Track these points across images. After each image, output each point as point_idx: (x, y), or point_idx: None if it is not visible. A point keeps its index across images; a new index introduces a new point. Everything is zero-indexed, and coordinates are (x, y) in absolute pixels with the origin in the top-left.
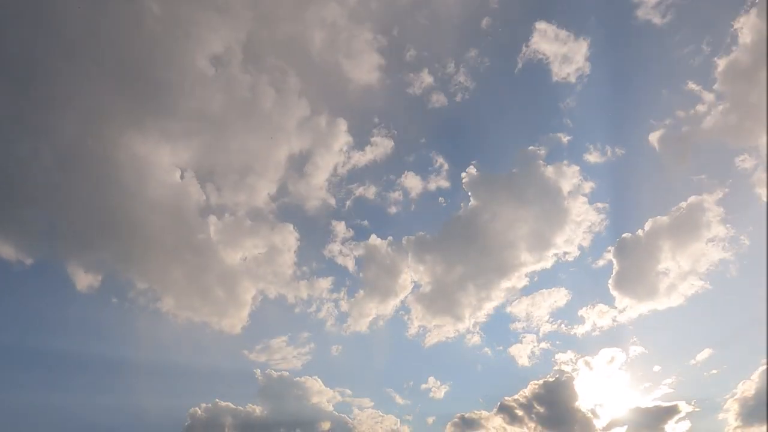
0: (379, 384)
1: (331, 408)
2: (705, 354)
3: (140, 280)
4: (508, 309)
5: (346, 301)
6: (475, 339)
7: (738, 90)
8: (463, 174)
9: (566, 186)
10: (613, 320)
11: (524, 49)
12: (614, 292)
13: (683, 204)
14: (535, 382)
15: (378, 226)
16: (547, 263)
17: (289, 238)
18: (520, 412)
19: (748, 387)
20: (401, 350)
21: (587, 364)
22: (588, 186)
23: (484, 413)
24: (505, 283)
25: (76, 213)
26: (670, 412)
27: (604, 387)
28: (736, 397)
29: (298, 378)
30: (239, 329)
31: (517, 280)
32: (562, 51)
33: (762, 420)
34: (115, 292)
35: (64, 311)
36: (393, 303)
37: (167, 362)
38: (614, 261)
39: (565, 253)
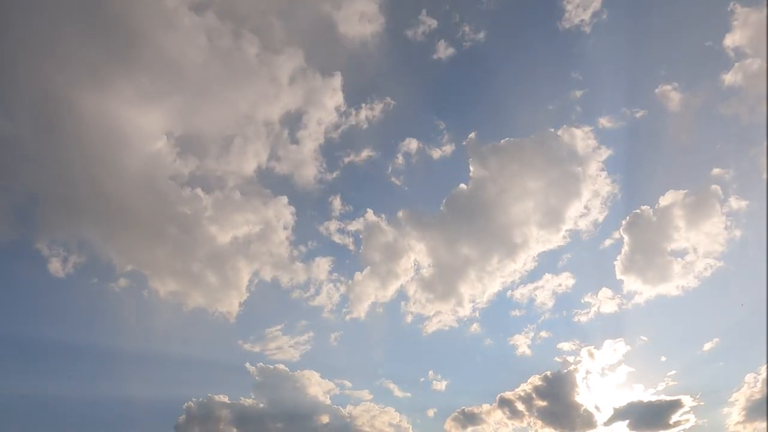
0: (379, 376)
1: (329, 401)
2: (713, 344)
3: (119, 260)
4: (511, 294)
5: (345, 284)
6: (476, 327)
7: None
8: (465, 142)
9: (579, 154)
10: (620, 307)
11: None
12: (622, 277)
13: (705, 176)
14: (537, 375)
15: (376, 200)
16: (552, 243)
17: (283, 213)
18: (520, 407)
19: (755, 380)
20: (401, 340)
21: (591, 354)
22: (602, 154)
23: (486, 407)
24: (510, 265)
25: (39, 186)
26: (674, 406)
27: (607, 379)
28: (742, 390)
29: (294, 372)
30: (233, 317)
31: (522, 263)
32: None
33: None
34: (95, 275)
35: (39, 296)
36: (393, 287)
37: (155, 352)
38: (625, 238)
39: (572, 231)
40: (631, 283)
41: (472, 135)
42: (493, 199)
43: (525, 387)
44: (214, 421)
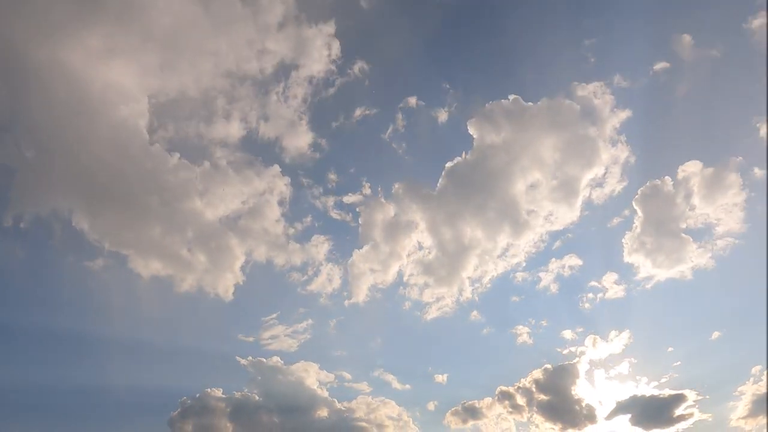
0: (378, 367)
1: (326, 394)
2: (721, 333)
3: (95, 237)
4: (515, 277)
5: (343, 266)
6: (477, 315)
7: None
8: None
9: (593, 115)
10: (628, 292)
11: None
12: (632, 257)
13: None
14: (538, 369)
15: (373, 168)
16: (559, 221)
17: (277, 185)
18: (521, 400)
19: (761, 372)
20: (400, 329)
21: (594, 344)
22: (619, 116)
23: (486, 401)
24: (515, 245)
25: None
26: (677, 400)
27: (610, 371)
28: (748, 383)
29: (290, 365)
30: (225, 303)
31: (526, 242)
32: None
33: None
34: (69, 254)
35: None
36: (393, 268)
37: (137, 340)
38: (638, 212)
39: (582, 206)
40: (642, 265)
41: (476, 97)
42: (498, 168)
43: (525, 382)
44: (209, 415)
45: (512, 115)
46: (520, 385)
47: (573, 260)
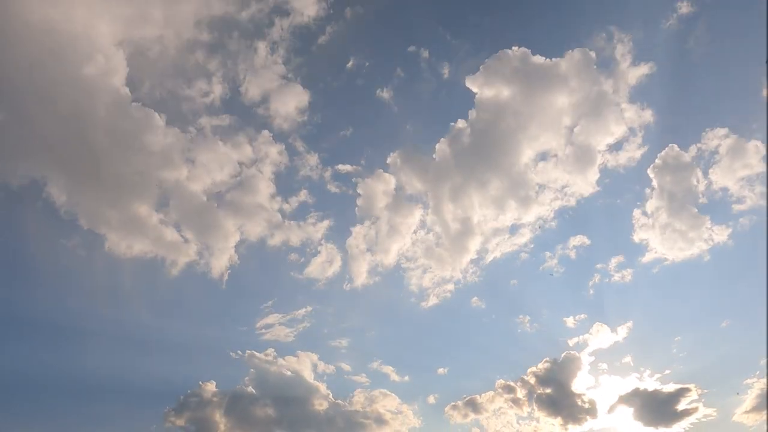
0: (378, 359)
1: (324, 387)
2: (732, 320)
3: (66, 208)
4: (519, 258)
5: (341, 247)
6: (478, 302)
7: None
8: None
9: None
10: (636, 276)
11: None
12: (643, 236)
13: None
14: (539, 363)
15: (370, 135)
16: (564, 199)
17: (270, 153)
18: (521, 394)
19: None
20: (400, 319)
21: (598, 333)
22: (636, 73)
23: (487, 395)
24: (520, 223)
25: None
26: (681, 394)
27: (614, 363)
28: (755, 375)
29: (287, 357)
30: (217, 289)
31: (532, 222)
32: None
33: None
34: (39, 230)
35: None
36: (393, 248)
37: (124, 330)
38: (653, 180)
39: (589, 181)
40: (653, 245)
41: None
42: (503, 131)
43: (526, 375)
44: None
45: (521, 69)
46: (522, 379)
47: (581, 240)
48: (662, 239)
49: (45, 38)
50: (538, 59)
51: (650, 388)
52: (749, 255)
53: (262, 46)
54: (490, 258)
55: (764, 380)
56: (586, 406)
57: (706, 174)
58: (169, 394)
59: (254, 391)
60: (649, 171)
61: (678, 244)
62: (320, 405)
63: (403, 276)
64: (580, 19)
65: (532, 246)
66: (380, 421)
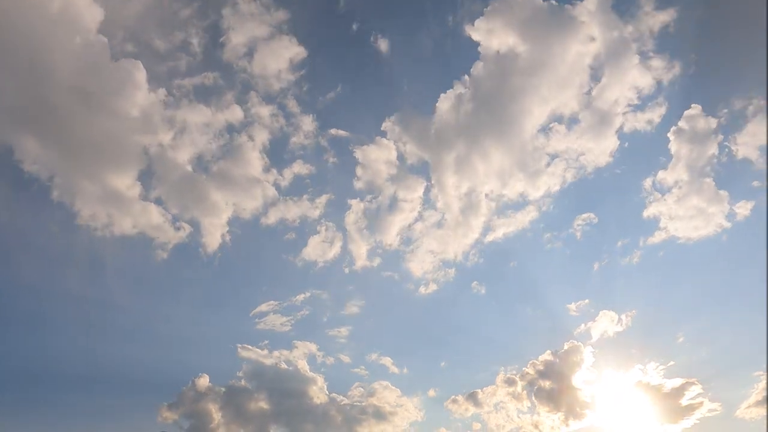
0: (377, 350)
1: (322, 379)
2: (742, 308)
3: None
4: (524, 238)
5: (340, 227)
6: (478, 286)
7: None
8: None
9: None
10: (643, 258)
11: None
12: (655, 211)
13: None
14: (542, 355)
15: (365, 93)
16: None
17: (262, 115)
18: (522, 388)
19: None
20: (400, 305)
21: (603, 321)
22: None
23: (489, 389)
24: (529, 195)
25: None
26: (685, 388)
27: (618, 354)
28: (762, 369)
29: (281, 350)
30: (210, 268)
31: (538, 198)
32: None
33: None
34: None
35: None
36: (395, 227)
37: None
38: (672, 145)
39: (602, 149)
40: (666, 223)
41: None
42: (509, 91)
43: (528, 368)
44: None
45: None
46: (523, 372)
47: (589, 218)
48: (676, 217)
49: None
50: (550, 2)
51: (654, 382)
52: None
53: None
54: (492, 238)
55: None
56: (589, 399)
57: (728, 142)
58: (154, 390)
59: (248, 384)
60: (669, 134)
61: (693, 222)
62: (318, 398)
63: (404, 258)
64: None
65: (541, 225)
66: (380, 415)
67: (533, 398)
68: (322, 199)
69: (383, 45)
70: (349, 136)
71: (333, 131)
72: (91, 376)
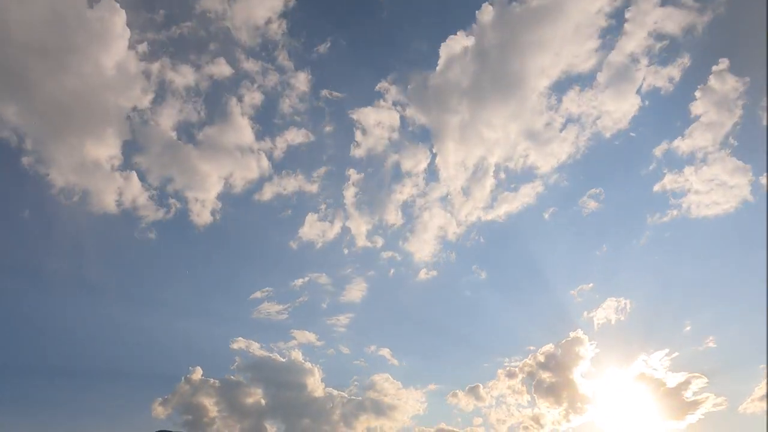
0: (376, 342)
1: (319, 372)
2: (755, 297)
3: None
4: (528, 215)
5: (340, 208)
6: (479, 270)
7: None
8: None
9: None
10: (650, 240)
11: None
12: (674, 183)
13: None
14: (543, 347)
15: (361, 50)
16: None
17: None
18: (523, 382)
19: None
20: (402, 291)
21: (607, 309)
22: None
23: (490, 382)
24: (536, 167)
25: None
26: (689, 382)
27: (621, 345)
28: None
29: (278, 343)
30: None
31: (547, 170)
32: None
33: None
34: None
35: None
36: (392, 202)
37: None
38: (694, 107)
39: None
40: (680, 199)
41: None
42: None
43: (529, 360)
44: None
45: None
46: (523, 364)
47: (597, 192)
48: (692, 190)
49: None
50: None
51: (658, 375)
52: None
53: None
54: (494, 216)
55: None
56: (589, 394)
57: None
58: (147, 384)
59: (243, 378)
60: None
61: (712, 196)
62: (317, 392)
63: (405, 238)
64: None
65: (547, 201)
66: (378, 409)
67: (533, 392)
68: (320, 172)
69: None
70: (346, 97)
71: (324, 92)
72: (75, 369)
